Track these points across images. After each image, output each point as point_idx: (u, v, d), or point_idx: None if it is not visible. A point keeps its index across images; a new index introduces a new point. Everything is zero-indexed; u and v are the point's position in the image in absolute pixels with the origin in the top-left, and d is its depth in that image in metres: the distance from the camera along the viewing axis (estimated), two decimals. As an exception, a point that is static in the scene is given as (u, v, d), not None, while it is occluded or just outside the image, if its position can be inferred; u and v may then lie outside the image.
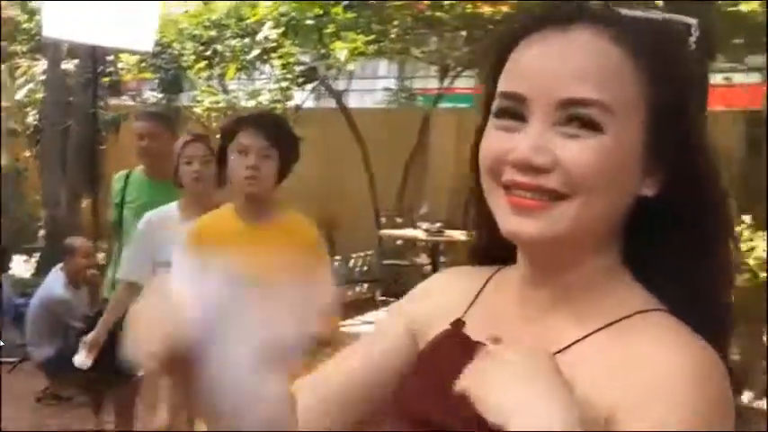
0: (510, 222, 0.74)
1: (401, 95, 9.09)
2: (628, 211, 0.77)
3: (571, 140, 0.73)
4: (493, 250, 0.87)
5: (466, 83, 8.90)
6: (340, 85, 8.60)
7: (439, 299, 0.90)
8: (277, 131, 2.28)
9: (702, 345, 0.72)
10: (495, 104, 0.77)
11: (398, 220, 7.11)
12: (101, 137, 6.24)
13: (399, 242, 7.13)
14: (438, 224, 6.23)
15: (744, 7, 6.07)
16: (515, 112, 0.75)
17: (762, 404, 4.14)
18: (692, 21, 0.82)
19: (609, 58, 0.74)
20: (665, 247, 0.78)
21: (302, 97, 8.17)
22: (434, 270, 6.19)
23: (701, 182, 0.78)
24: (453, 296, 0.89)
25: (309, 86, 8.08)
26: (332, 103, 8.27)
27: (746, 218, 4.57)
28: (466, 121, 8.19)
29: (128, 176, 3.75)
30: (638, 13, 0.80)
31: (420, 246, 6.82)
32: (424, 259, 6.77)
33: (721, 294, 0.79)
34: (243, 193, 2.25)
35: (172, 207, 2.97)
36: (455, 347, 0.84)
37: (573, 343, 0.75)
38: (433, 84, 8.49)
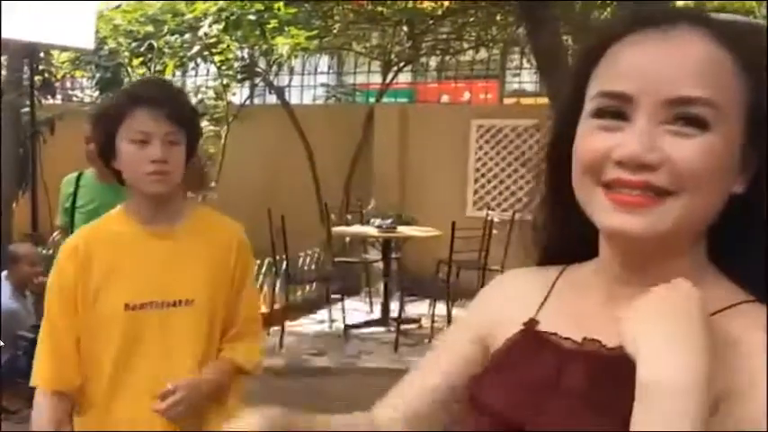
0: (613, 220, 0.75)
1: (339, 90, 9.06)
2: (721, 208, 0.78)
3: (680, 138, 0.74)
4: (565, 250, 0.88)
5: (406, 77, 8.94)
6: (281, 81, 8.51)
7: (503, 303, 0.89)
8: (181, 109, 1.75)
9: None
10: (594, 104, 0.78)
11: (348, 217, 7.08)
12: (37, 138, 5.98)
13: (348, 239, 7.10)
14: (389, 220, 6.23)
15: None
16: (617, 111, 0.76)
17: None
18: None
19: (714, 58, 0.76)
20: (745, 241, 0.81)
21: (244, 94, 8.04)
22: (386, 266, 6.19)
23: None
24: (519, 298, 0.89)
25: (249, 83, 7.96)
26: (273, 100, 8.17)
27: None
28: (408, 115, 8.23)
29: (78, 179, 3.59)
30: (727, 16, 0.83)
31: (370, 242, 6.81)
32: (374, 255, 6.76)
33: None
34: (145, 193, 1.72)
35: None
36: (530, 345, 0.85)
37: None
38: (375, 79, 8.48)
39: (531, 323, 0.86)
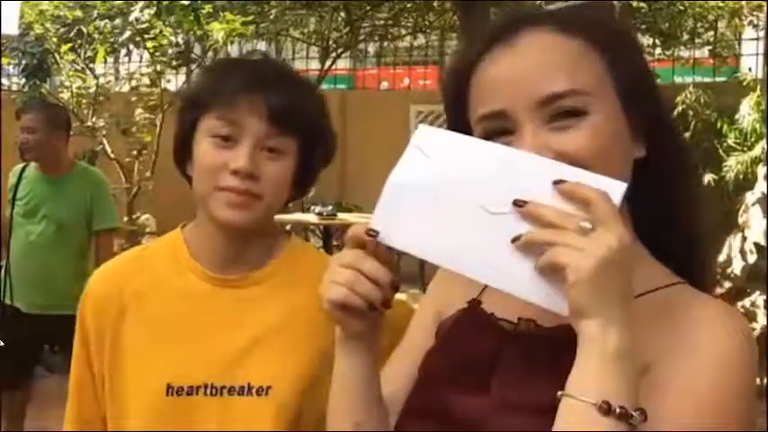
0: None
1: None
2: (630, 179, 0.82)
3: (564, 132, 0.79)
4: None
5: (345, 64, 8.89)
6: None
7: (455, 282, 0.92)
8: (299, 105, 1.19)
9: (729, 309, 0.82)
10: (479, 129, 0.82)
11: (289, 205, 7.01)
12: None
13: (288, 227, 7.05)
14: (330, 207, 6.20)
15: None
16: (502, 129, 0.81)
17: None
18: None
19: (566, 48, 0.81)
20: (656, 214, 0.87)
21: (179, 81, 7.86)
22: (328, 253, 6.16)
23: (672, 136, 0.88)
24: (468, 278, 0.90)
25: (185, 70, 7.79)
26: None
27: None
28: (348, 101, 8.20)
29: (23, 171, 3.48)
30: (561, 4, 0.86)
31: (311, 229, 6.77)
32: (315, 242, 6.72)
33: (699, 238, 0.91)
34: (215, 220, 1.19)
35: None
36: (472, 324, 0.89)
37: None
38: (313, 65, 8.40)
39: (474, 302, 0.91)
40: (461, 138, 0.80)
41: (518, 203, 0.72)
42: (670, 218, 0.88)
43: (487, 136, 0.81)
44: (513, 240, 0.71)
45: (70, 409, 1.32)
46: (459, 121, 0.86)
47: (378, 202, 0.81)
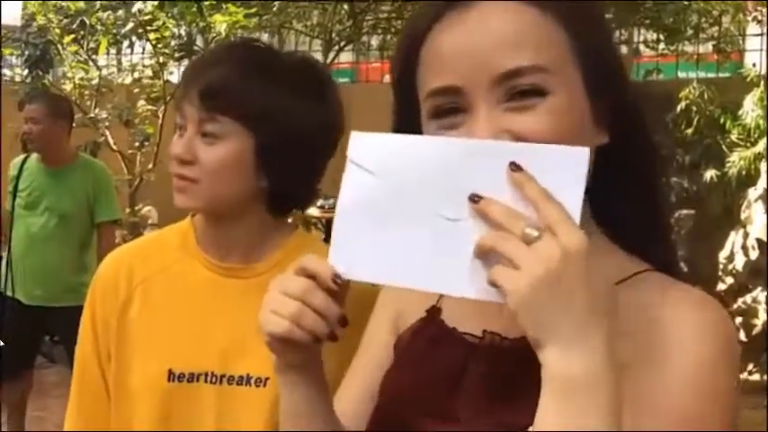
0: None
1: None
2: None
3: (522, 113, 0.71)
4: None
5: (348, 57, 8.86)
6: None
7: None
8: (233, 87, 1.20)
9: (702, 295, 0.76)
10: (428, 106, 0.75)
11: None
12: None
13: (290, 219, 7.04)
14: (331, 200, 6.20)
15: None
16: (452, 106, 0.73)
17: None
18: None
19: (528, 22, 0.72)
20: (616, 196, 0.81)
21: (181, 73, 7.85)
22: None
23: (637, 121, 0.80)
24: None
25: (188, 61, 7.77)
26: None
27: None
28: (351, 94, 8.15)
29: (24, 162, 3.49)
30: None
31: (312, 222, 6.76)
32: (317, 235, 6.73)
33: (667, 227, 0.85)
34: None
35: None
36: (433, 336, 0.83)
37: None
38: (316, 58, 8.38)
39: (434, 311, 0.84)
40: (401, 139, 0.73)
41: (473, 198, 0.66)
42: (633, 206, 0.81)
43: (437, 114, 0.74)
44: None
45: (74, 391, 1.33)
46: (406, 98, 0.79)
47: (332, 234, 0.75)
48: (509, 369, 0.74)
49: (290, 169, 1.22)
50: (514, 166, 0.65)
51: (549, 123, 0.70)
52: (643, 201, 0.82)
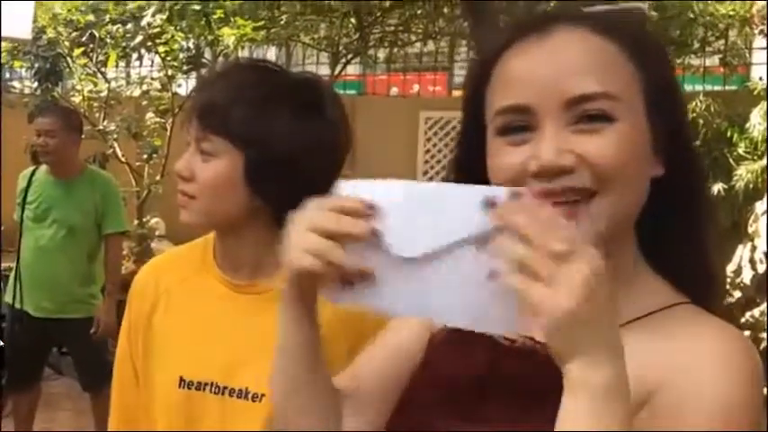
0: None
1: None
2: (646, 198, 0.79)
3: (588, 136, 0.74)
4: None
5: (355, 69, 8.90)
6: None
7: None
8: (226, 106, 1.23)
9: (734, 332, 0.76)
10: (497, 123, 0.78)
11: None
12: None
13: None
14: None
15: None
16: (521, 124, 0.76)
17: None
18: (644, 5, 0.87)
19: (600, 51, 0.77)
20: (674, 230, 0.83)
21: (190, 85, 7.90)
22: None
23: (692, 159, 0.83)
24: None
25: (196, 74, 7.82)
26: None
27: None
28: (358, 107, 8.19)
29: (33, 174, 3.51)
30: (599, 6, 0.85)
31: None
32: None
33: (712, 266, 0.85)
34: None
35: None
36: (465, 336, 0.81)
37: None
38: (323, 71, 8.42)
39: None
40: (385, 185, 0.74)
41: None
42: (680, 239, 0.83)
43: (505, 130, 0.77)
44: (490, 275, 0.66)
45: (113, 388, 1.40)
46: (473, 117, 0.81)
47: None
48: (540, 372, 0.75)
49: (284, 188, 1.21)
50: (490, 203, 0.66)
51: (614, 148, 0.73)
52: (689, 234, 0.83)
